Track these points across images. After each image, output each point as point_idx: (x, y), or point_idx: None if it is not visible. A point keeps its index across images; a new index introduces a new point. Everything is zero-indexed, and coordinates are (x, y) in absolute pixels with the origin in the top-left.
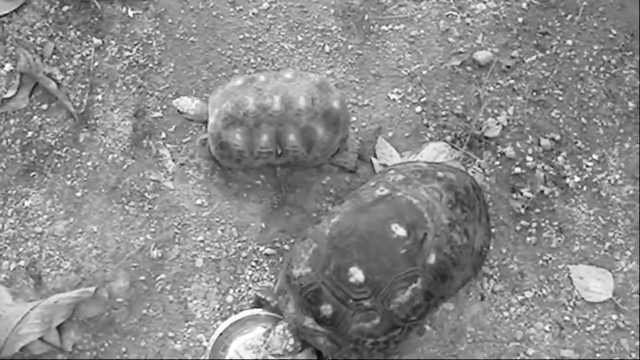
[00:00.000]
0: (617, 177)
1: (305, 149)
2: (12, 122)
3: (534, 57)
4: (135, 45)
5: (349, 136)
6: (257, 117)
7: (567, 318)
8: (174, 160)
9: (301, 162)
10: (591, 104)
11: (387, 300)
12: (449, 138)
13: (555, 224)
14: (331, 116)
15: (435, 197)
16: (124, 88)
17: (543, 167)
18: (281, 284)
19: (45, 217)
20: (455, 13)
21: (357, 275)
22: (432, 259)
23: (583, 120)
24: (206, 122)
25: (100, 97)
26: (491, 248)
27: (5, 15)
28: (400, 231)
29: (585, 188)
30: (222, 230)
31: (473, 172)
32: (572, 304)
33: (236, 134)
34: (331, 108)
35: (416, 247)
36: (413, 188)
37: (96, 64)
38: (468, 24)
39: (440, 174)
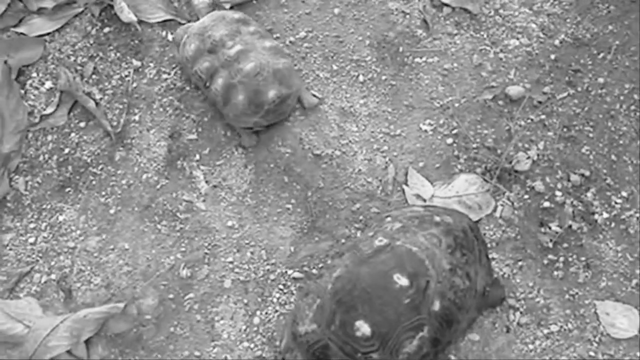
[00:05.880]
0: None
1: (222, 100)
2: (49, 138)
3: (565, 94)
4: (173, 68)
5: (270, 127)
6: (214, 47)
7: (592, 353)
8: (206, 182)
9: (218, 110)
10: (621, 142)
11: (394, 351)
12: (478, 170)
13: (583, 259)
14: (258, 97)
15: (434, 243)
16: (161, 109)
17: (572, 202)
18: (287, 341)
19: (78, 232)
20: (488, 48)
21: (363, 328)
22: (436, 306)
23: (613, 157)
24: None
25: (136, 117)
26: (518, 280)
27: (48, 34)
28: (402, 281)
29: (613, 224)
30: (251, 252)
31: (502, 205)
32: (597, 339)
33: (192, 44)
34: (264, 92)
35: (419, 296)
36: (411, 235)
37: (134, 84)
38: (501, 59)
39: (437, 218)
